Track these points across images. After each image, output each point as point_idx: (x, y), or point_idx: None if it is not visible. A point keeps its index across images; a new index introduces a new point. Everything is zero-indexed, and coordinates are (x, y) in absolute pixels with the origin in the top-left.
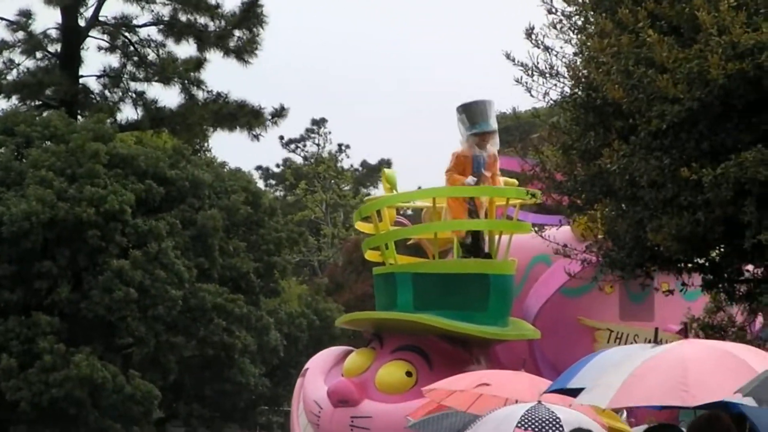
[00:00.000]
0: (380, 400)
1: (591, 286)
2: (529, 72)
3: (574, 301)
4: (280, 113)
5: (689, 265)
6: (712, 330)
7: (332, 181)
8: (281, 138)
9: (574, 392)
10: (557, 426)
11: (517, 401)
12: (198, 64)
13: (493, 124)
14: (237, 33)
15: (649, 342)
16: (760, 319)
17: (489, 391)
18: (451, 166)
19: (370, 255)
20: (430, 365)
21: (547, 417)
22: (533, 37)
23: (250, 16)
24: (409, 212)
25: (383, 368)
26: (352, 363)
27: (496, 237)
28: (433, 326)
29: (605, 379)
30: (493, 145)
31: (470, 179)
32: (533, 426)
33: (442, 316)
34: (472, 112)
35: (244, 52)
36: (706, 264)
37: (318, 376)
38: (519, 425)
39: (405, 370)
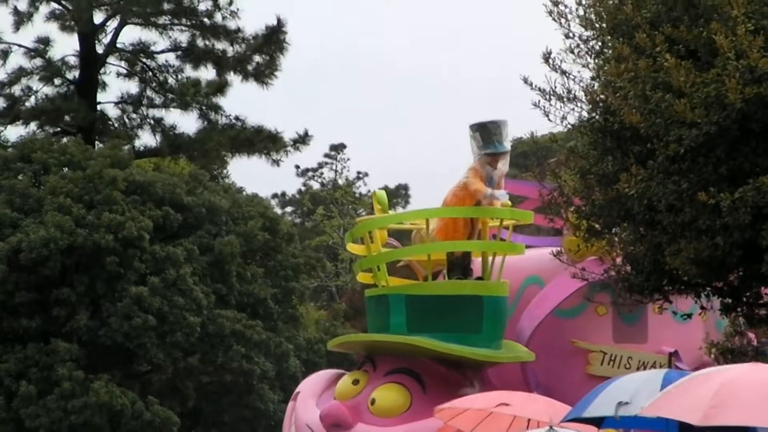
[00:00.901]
0: (373, 423)
1: (584, 308)
2: (547, 96)
3: (568, 323)
4: (303, 139)
5: (708, 288)
6: (731, 354)
7: (350, 207)
8: (297, 167)
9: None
10: None
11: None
12: (219, 88)
13: (507, 145)
14: (257, 58)
15: (644, 365)
16: (753, 340)
17: (509, 411)
18: (472, 179)
19: (361, 277)
20: (423, 388)
21: None
22: (551, 61)
23: (272, 41)
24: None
25: (376, 391)
26: (344, 386)
27: (489, 258)
28: (427, 349)
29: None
30: (504, 165)
31: (501, 192)
32: None
33: (436, 338)
34: (486, 132)
35: (263, 75)
36: (725, 288)
37: (309, 399)
38: None
39: (398, 393)
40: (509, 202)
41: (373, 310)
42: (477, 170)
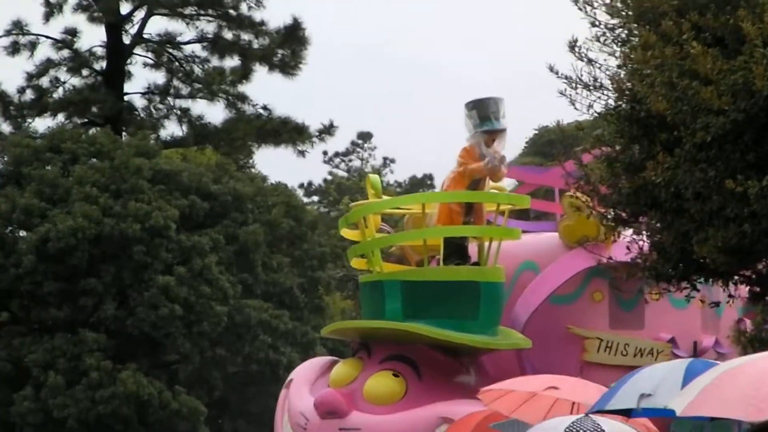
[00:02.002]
0: (369, 411)
1: (580, 294)
2: (573, 85)
3: (563, 309)
4: (328, 130)
5: (735, 277)
6: (760, 343)
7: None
8: (325, 153)
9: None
10: None
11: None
12: (244, 75)
13: (504, 123)
14: (281, 51)
15: (641, 352)
16: (750, 327)
17: (557, 394)
18: (465, 159)
19: (356, 263)
20: (419, 375)
21: (592, 428)
22: (577, 49)
23: (293, 38)
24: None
25: (372, 379)
26: (338, 373)
27: (486, 243)
28: (424, 335)
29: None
30: (500, 144)
31: (487, 160)
32: None
33: (432, 324)
34: (482, 109)
35: (288, 67)
36: (753, 276)
37: (303, 387)
38: None
39: (394, 380)
40: (504, 186)
41: (368, 296)
42: (470, 150)
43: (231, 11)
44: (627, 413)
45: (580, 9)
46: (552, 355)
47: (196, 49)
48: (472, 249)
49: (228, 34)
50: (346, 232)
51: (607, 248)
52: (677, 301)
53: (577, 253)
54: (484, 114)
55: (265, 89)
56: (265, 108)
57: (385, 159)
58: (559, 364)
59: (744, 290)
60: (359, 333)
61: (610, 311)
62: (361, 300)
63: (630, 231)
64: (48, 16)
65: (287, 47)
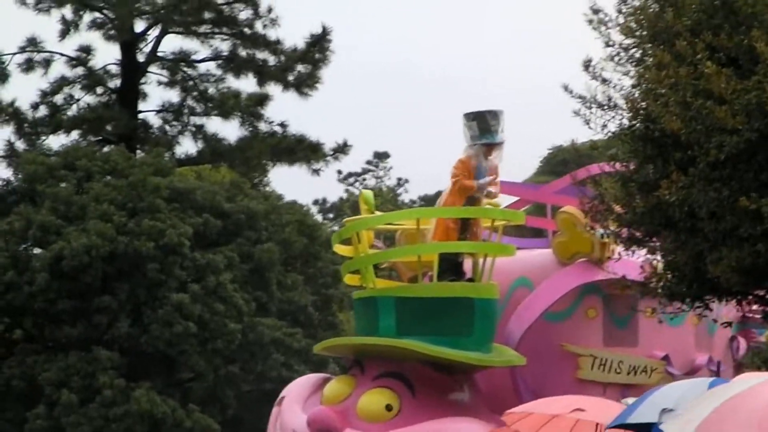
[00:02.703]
0: (362, 429)
1: (574, 311)
2: (588, 104)
3: (557, 326)
4: (342, 149)
5: (749, 296)
6: None
7: None
8: (339, 172)
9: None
10: None
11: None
12: (260, 100)
13: (503, 136)
14: (299, 67)
15: (635, 370)
16: (743, 346)
17: (583, 416)
18: (460, 171)
19: (349, 279)
20: (413, 392)
21: None
22: (591, 69)
23: (316, 50)
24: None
25: (365, 396)
26: (331, 390)
27: (480, 260)
28: (419, 352)
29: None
30: (497, 157)
31: (479, 185)
32: None
33: (426, 341)
34: (483, 121)
35: (304, 85)
36: (767, 296)
37: (295, 404)
38: None
39: (387, 397)
40: (499, 202)
41: (361, 312)
42: (465, 162)
43: (246, 29)
44: (647, 430)
45: (594, 29)
46: (546, 373)
47: (211, 67)
48: (467, 265)
49: (243, 53)
50: (340, 248)
51: (603, 265)
52: (671, 319)
53: (572, 269)
54: (484, 126)
55: (281, 106)
56: (281, 125)
57: (399, 179)
58: (552, 381)
59: (734, 312)
60: (352, 350)
61: (604, 328)
62: (354, 316)
63: (644, 251)
64: (63, 34)
65: (308, 60)
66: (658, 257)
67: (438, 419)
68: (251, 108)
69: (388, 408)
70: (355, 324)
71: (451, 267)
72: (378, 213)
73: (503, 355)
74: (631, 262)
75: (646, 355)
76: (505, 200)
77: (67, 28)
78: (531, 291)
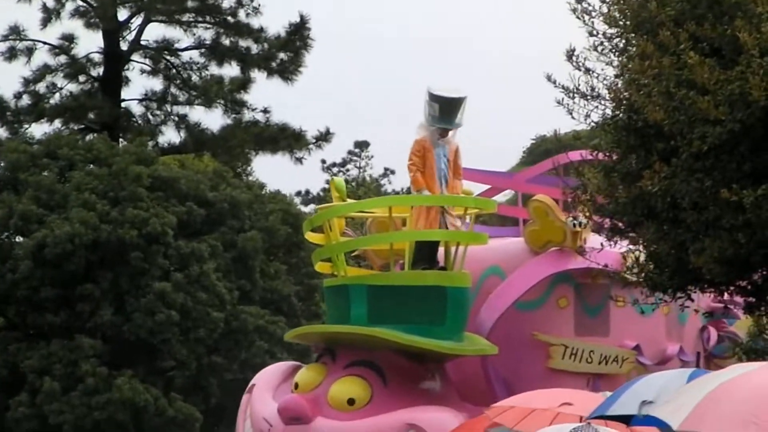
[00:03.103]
0: (333, 417)
1: (545, 300)
2: (571, 94)
3: (529, 316)
4: (324, 137)
5: (731, 287)
6: (755, 354)
7: None
8: (323, 162)
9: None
10: None
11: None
12: (243, 84)
13: (461, 121)
14: (281, 55)
15: (606, 360)
16: (713, 336)
17: (572, 410)
18: (415, 158)
19: (320, 267)
20: (384, 381)
21: None
22: (574, 59)
23: (296, 39)
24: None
25: (336, 384)
26: (302, 379)
27: (453, 248)
28: (391, 341)
29: (679, 399)
30: (454, 137)
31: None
32: None
33: (398, 330)
34: (446, 106)
35: (287, 71)
36: (749, 286)
37: (266, 392)
38: None
39: (359, 386)
40: (472, 190)
41: (333, 300)
42: (421, 143)
43: (229, 18)
44: (627, 420)
45: (578, 18)
46: (517, 362)
47: (194, 55)
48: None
49: (226, 41)
50: (311, 236)
51: (574, 254)
52: (642, 308)
53: (544, 258)
54: (445, 111)
55: (264, 93)
56: (264, 111)
57: (386, 169)
58: (523, 370)
59: (707, 300)
60: (323, 338)
61: (576, 318)
62: (326, 304)
63: (626, 241)
64: (45, 22)
65: (289, 49)
66: (640, 248)
67: (410, 408)
68: (234, 93)
69: (350, 402)
70: (326, 311)
71: (426, 255)
72: (350, 200)
73: (475, 344)
74: (609, 252)
75: (617, 344)
76: (476, 189)
77: (49, 16)
78: (503, 280)
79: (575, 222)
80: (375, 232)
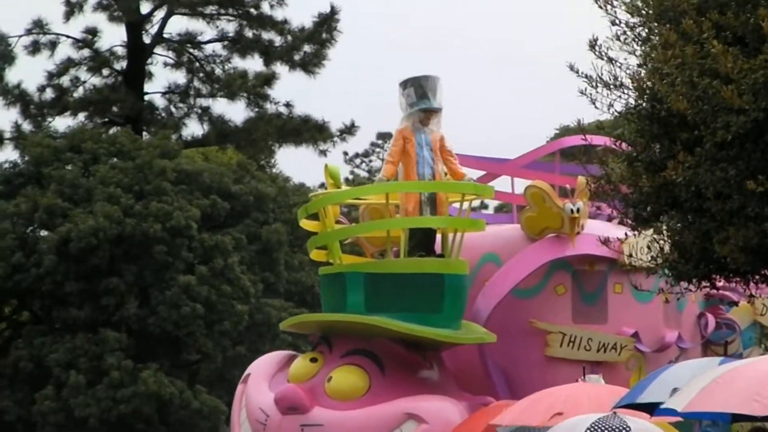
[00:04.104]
0: (331, 407)
1: (543, 287)
2: (594, 84)
3: (526, 303)
4: (349, 130)
5: (756, 276)
6: None
7: None
8: (345, 153)
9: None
10: None
11: None
12: (267, 80)
13: (440, 102)
14: (306, 47)
15: (604, 347)
16: (711, 322)
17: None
18: (393, 148)
19: (315, 255)
20: (382, 370)
21: (617, 426)
22: (597, 48)
23: (323, 30)
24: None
25: (333, 373)
26: (298, 368)
27: (450, 235)
28: (388, 329)
29: (689, 386)
30: (437, 126)
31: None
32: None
33: (396, 318)
34: (419, 87)
35: (310, 64)
36: None
37: (261, 382)
38: (588, 430)
39: (356, 375)
40: (470, 176)
41: (328, 288)
42: (400, 132)
43: (252, 10)
44: (651, 410)
45: (600, 7)
46: (514, 350)
47: (217, 48)
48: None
49: (249, 33)
50: (306, 223)
51: (571, 241)
52: (640, 294)
53: (541, 245)
54: (421, 92)
55: (286, 87)
56: (287, 105)
57: None
58: (521, 358)
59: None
60: (320, 326)
61: (573, 305)
62: (321, 292)
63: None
64: (68, 15)
65: (315, 40)
66: (665, 237)
67: (408, 397)
68: (257, 88)
69: (348, 392)
70: (322, 300)
71: (423, 242)
72: (345, 187)
73: (473, 332)
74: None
75: (615, 332)
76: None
77: (72, 9)
78: (499, 267)
79: (573, 208)
80: (368, 219)
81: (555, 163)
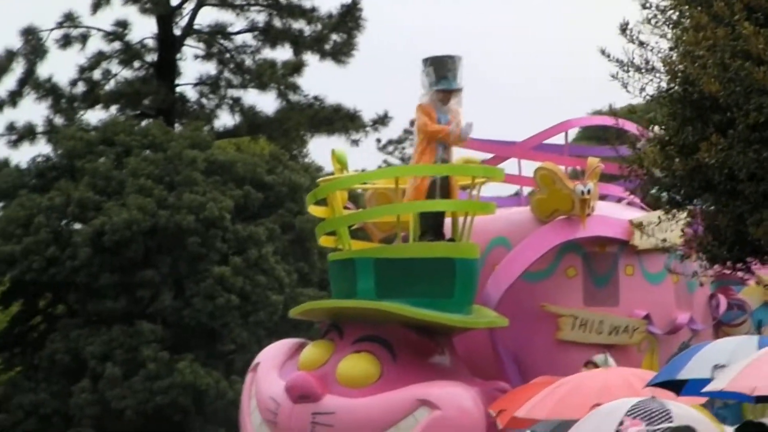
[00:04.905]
0: (343, 394)
1: (553, 270)
2: (625, 68)
3: (537, 286)
4: (382, 120)
5: None
6: None
7: None
8: (378, 141)
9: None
10: (667, 418)
11: None
12: (296, 67)
13: (461, 82)
14: (334, 36)
15: (616, 330)
16: (723, 303)
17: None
18: (425, 119)
19: (324, 240)
20: (394, 356)
21: (657, 409)
22: (628, 32)
23: (348, 20)
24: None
25: (345, 360)
26: (309, 356)
27: (460, 219)
28: (400, 314)
29: (732, 366)
30: (458, 105)
31: (465, 126)
32: (642, 415)
33: (407, 303)
34: (440, 67)
35: (340, 53)
36: None
37: (271, 370)
38: (629, 413)
39: (368, 362)
40: (477, 159)
41: (338, 274)
42: (424, 107)
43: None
44: (677, 390)
45: None
46: (525, 334)
47: (247, 38)
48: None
49: (278, 23)
50: (314, 209)
51: (582, 223)
52: (652, 276)
53: (551, 227)
54: (441, 72)
55: (317, 76)
56: (315, 98)
57: None
58: (532, 342)
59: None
60: (330, 313)
61: (584, 287)
62: (330, 278)
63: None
64: (95, 8)
65: (341, 31)
66: (699, 220)
67: (421, 383)
68: (288, 76)
69: (360, 379)
70: (331, 286)
71: (432, 226)
72: (352, 172)
73: (485, 317)
74: (612, 220)
75: (627, 314)
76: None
77: (100, 2)
78: (509, 250)
79: (583, 189)
80: (375, 205)
81: (564, 145)
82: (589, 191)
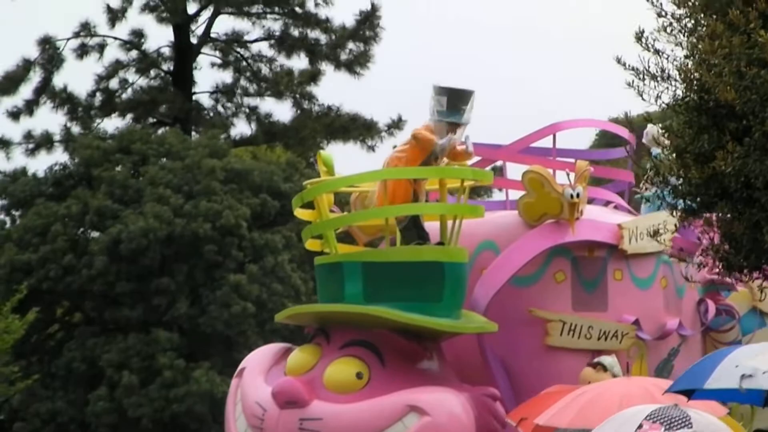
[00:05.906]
0: (330, 400)
1: (541, 275)
2: (641, 76)
3: (525, 291)
4: (396, 125)
5: None
6: None
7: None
8: (394, 147)
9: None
10: (687, 423)
11: None
12: (312, 76)
13: (470, 118)
14: (350, 45)
15: (605, 335)
16: (712, 309)
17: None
18: (426, 133)
19: (310, 244)
20: (382, 361)
21: (677, 415)
22: (644, 40)
23: (366, 27)
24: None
25: (332, 366)
26: (296, 361)
27: (449, 222)
28: (388, 319)
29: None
30: (461, 136)
31: (444, 140)
32: (661, 420)
33: (395, 307)
34: (454, 99)
35: (356, 64)
36: None
37: (257, 375)
38: (648, 418)
39: (356, 367)
40: (466, 163)
41: (325, 278)
42: (430, 128)
43: (297, 9)
44: (688, 394)
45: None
46: (513, 339)
47: (263, 47)
48: (432, 228)
49: (294, 32)
50: (300, 212)
51: (571, 227)
52: (640, 281)
53: (539, 231)
54: (453, 104)
55: (333, 82)
56: (329, 108)
57: None
58: (520, 348)
59: (703, 273)
60: (317, 318)
61: (573, 292)
62: (317, 282)
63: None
64: (113, 19)
65: (357, 40)
66: (715, 228)
67: (410, 389)
68: (304, 85)
69: (348, 384)
70: (318, 290)
71: (411, 228)
72: (338, 175)
73: (474, 322)
74: (601, 223)
75: (616, 319)
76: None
77: (116, 14)
78: (497, 255)
79: (572, 193)
80: (360, 208)
81: (552, 148)
82: (578, 195)
